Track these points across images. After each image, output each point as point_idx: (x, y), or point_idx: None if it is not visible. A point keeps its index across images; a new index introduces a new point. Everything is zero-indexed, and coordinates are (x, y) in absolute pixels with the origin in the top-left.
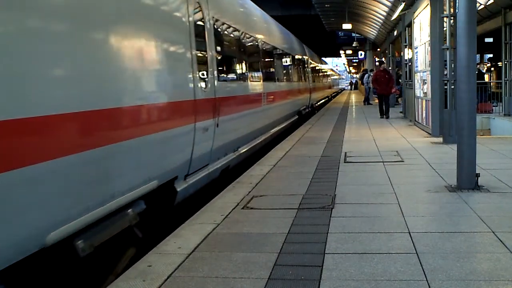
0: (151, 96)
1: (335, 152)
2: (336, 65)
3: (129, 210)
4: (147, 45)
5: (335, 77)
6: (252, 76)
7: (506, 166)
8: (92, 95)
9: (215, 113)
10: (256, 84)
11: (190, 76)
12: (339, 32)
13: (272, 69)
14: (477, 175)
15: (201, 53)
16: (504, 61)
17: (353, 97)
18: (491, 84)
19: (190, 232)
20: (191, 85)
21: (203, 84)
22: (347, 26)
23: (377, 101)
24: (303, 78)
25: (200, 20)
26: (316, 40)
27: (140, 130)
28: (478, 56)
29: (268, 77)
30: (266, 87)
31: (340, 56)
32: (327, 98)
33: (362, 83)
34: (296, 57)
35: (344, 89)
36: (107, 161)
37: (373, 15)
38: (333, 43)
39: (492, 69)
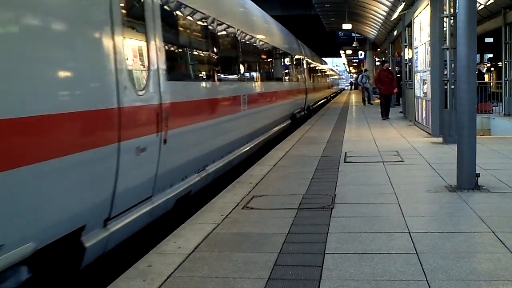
0: (25, 104)
1: (335, 152)
2: (336, 65)
3: None
4: (22, 25)
5: (335, 77)
6: (225, 74)
7: (506, 166)
8: None
9: (160, 125)
10: (232, 85)
11: (110, 73)
12: (339, 32)
13: (256, 67)
14: (477, 175)
15: (135, 40)
16: (504, 61)
17: (353, 97)
18: (491, 84)
19: (190, 232)
20: (112, 86)
21: (137, 85)
22: (347, 26)
23: (378, 100)
24: (297, 77)
25: None
26: (316, 40)
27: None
28: (478, 56)
29: (251, 76)
30: (247, 88)
31: (340, 56)
32: (325, 99)
33: (359, 84)
34: (289, 54)
35: (344, 89)
36: None
37: (373, 15)
38: (333, 43)
39: (492, 69)
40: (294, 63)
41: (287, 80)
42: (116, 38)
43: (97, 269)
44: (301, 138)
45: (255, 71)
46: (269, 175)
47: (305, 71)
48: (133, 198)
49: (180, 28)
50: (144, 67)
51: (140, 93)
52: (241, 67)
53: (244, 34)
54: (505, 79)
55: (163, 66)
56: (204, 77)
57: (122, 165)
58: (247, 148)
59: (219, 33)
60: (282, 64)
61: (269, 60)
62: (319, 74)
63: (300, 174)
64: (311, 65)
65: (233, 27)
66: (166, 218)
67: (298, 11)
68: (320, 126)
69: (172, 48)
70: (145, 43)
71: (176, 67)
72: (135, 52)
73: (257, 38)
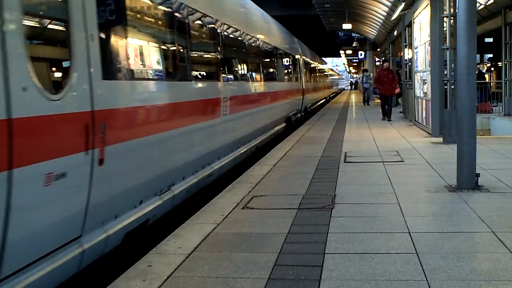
0: None
1: (335, 152)
2: (336, 65)
3: None
4: None
5: (335, 77)
6: (199, 73)
7: (506, 166)
8: None
9: (91, 140)
10: (208, 85)
11: None
12: (339, 32)
13: (241, 65)
14: (477, 175)
15: (45, 20)
16: (504, 61)
17: (353, 97)
18: (491, 84)
19: (190, 232)
20: None
21: (47, 86)
22: (347, 26)
23: (378, 101)
24: (293, 77)
25: None
26: (316, 40)
27: None
28: (478, 56)
29: (235, 76)
30: (229, 89)
31: (340, 56)
32: (324, 100)
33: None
34: (283, 51)
35: (344, 89)
36: None
37: (373, 15)
38: (333, 43)
39: (492, 69)
40: (290, 61)
41: (281, 80)
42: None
43: (97, 269)
44: (301, 138)
45: (241, 69)
46: (269, 175)
47: (302, 70)
48: (47, 243)
49: (129, 6)
50: (63, 59)
51: (55, 96)
52: (222, 65)
53: (226, 26)
54: (505, 79)
55: (96, 58)
56: (167, 75)
57: (16, 202)
58: (231, 158)
59: (189, 21)
60: (275, 62)
61: (258, 57)
62: (317, 74)
63: (300, 174)
64: (309, 64)
65: (210, 16)
66: (166, 218)
67: (298, 11)
68: (320, 126)
69: (114, 35)
70: (65, 24)
71: (119, 60)
72: (47, 37)
73: (247, 33)
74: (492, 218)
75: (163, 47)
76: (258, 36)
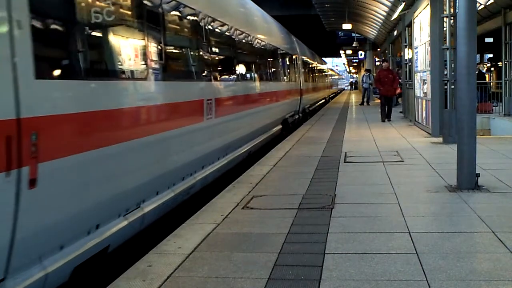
0: None
1: (335, 152)
2: (336, 65)
3: None
4: None
5: (335, 77)
6: (174, 71)
7: (506, 166)
8: None
9: (17, 156)
10: (187, 86)
11: None
12: (339, 32)
13: (228, 63)
14: (477, 175)
15: None
16: (504, 61)
17: (353, 97)
18: (491, 84)
19: (190, 232)
20: None
21: None
22: (347, 26)
23: (377, 101)
24: (290, 77)
25: None
26: (316, 40)
27: None
28: (478, 56)
29: (221, 75)
30: (216, 90)
31: (340, 56)
32: (324, 100)
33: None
34: (279, 49)
35: (344, 89)
36: None
37: (373, 15)
38: (333, 43)
39: (492, 69)
40: (286, 60)
41: (276, 80)
42: None
43: (97, 269)
44: (301, 138)
45: (229, 68)
46: (269, 175)
47: (300, 70)
48: None
49: None
50: None
51: None
52: (205, 63)
53: (210, 19)
54: (505, 79)
55: (26, 51)
56: (129, 73)
57: None
58: (218, 166)
59: (164, 11)
60: (269, 60)
61: (250, 55)
62: (317, 73)
63: (300, 174)
64: (308, 64)
65: (191, 7)
66: (166, 218)
67: (298, 11)
68: (320, 126)
69: (52, 22)
70: None
71: (59, 54)
72: None
73: (232, 27)
74: (492, 218)
75: (125, 38)
76: (249, 31)
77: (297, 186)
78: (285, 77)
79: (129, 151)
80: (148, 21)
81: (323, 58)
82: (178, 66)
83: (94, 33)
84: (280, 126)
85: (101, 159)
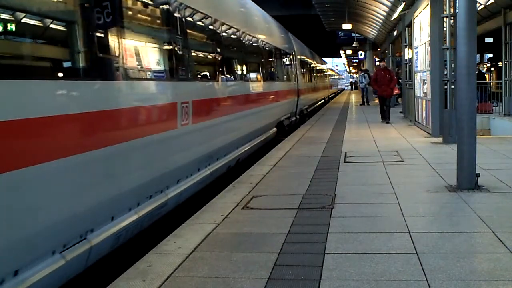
0: None
1: (335, 152)
2: (336, 65)
3: None
4: None
5: (335, 77)
6: (138, 69)
7: (506, 166)
8: None
9: None
10: (154, 86)
11: None
12: (339, 32)
13: (210, 59)
14: (477, 175)
15: None
16: (504, 61)
17: (353, 97)
18: (491, 84)
19: (190, 232)
20: None
21: None
22: (347, 26)
23: (377, 101)
24: (286, 76)
25: None
26: (316, 40)
27: None
28: (478, 56)
29: (202, 73)
30: (190, 91)
31: (340, 56)
32: (323, 101)
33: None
34: (273, 47)
35: (344, 89)
36: None
37: (373, 15)
38: (333, 43)
39: (492, 69)
40: (282, 59)
41: (270, 79)
42: None
43: (97, 269)
44: (301, 138)
45: (212, 66)
46: (269, 175)
47: (298, 69)
48: None
49: None
50: None
51: None
52: (181, 60)
53: (184, 6)
54: (505, 79)
55: None
56: (75, 72)
57: None
58: (197, 179)
59: None
60: (261, 58)
61: (238, 52)
62: (316, 73)
63: (300, 174)
64: (306, 63)
65: None
66: (166, 218)
67: (298, 11)
68: (320, 126)
69: None
70: None
71: None
72: None
73: (216, 20)
74: (492, 218)
75: (69, 28)
76: (237, 25)
77: (297, 186)
78: (280, 77)
79: (65, 170)
80: (105, 7)
81: (323, 58)
82: (141, 62)
83: (20, 23)
84: (274, 130)
85: (26, 181)
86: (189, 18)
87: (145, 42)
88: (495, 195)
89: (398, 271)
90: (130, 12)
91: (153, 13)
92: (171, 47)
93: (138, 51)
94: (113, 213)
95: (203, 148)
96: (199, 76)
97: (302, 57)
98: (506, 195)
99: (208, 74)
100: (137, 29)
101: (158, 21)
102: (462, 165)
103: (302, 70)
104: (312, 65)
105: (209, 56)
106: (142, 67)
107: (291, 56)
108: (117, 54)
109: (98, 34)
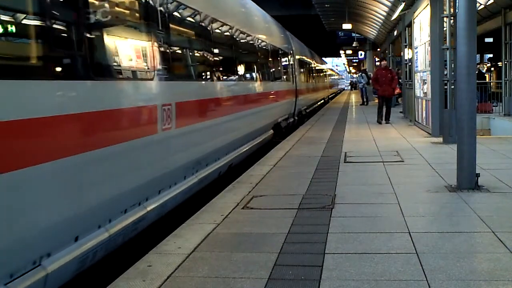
0: None
1: (335, 152)
2: (336, 65)
3: None
4: None
5: (335, 77)
6: (104, 66)
7: (506, 166)
8: None
9: None
10: (124, 86)
11: None
12: (339, 32)
13: (197, 57)
14: (477, 175)
15: None
16: (504, 61)
17: (353, 97)
18: (491, 84)
19: (190, 232)
20: None
21: None
22: (347, 26)
23: (377, 101)
24: (284, 76)
25: None
26: (316, 40)
27: None
28: (478, 56)
29: (188, 72)
30: (173, 92)
31: (340, 56)
32: (323, 101)
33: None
34: (269, 45)
35: (344, 89)
36: None
37: (373, 15)
38: (333, 43)
39: (492, 69)
40: (279, 58)
41: (265, 79)
42: None
43: (97, 269)
44: (301, 138)
45: (198, 65)
46: (269, 175)
47: (296, 69)
48: None
49: None
50: None
51: None
52: (162, 58)
53: (177, 5)
54: (505, 79)
55: None
56: (33, 70)
57: None
58: (182, 189)
59: None
60: (255, 57)
61: (228, 50)
62: (315, 73)
63: (300, 174)
64: (305, 63)
65: None
66: (166, 218)
67: (298, 11)
68: (320, 126)
69: None
70: None
71: None
72: None
73: (205, 14)
74: (492, 218)
75: (27, 21)
76: (229, 22)
77: (297, 186)
78: (277, 76)
79: (12, 184)
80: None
81: (323, 58)
82: (112, 60)
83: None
84: (271, 132)
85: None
86: (173, 12)
87: (121, 37)
88: (495, 195)
89: (398, 271)
90: (106, 9)
91: (131, 7)
92: (150, 42)
93: (115, 48)
94: (77, 233)
95: (189, 154)
96: (184, 75)
97: (301, 56)
98: (506, 195)
99: (195, 73)
100: (113, 24)
101: (136, 14)
102: (462, 165)
103: (300, 70)
104: (311, 65)
105: (196, 54)
106: (113, 65)
107: (289, 56)
108: (81, 49)
109: (56, 26)
